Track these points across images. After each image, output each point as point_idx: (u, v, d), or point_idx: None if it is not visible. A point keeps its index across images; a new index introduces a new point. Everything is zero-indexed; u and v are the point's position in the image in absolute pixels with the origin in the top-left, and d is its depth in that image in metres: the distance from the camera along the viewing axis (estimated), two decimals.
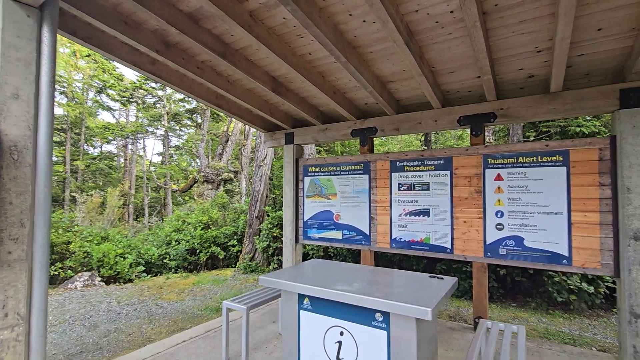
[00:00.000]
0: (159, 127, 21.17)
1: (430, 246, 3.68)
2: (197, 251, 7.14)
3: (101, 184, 20.94)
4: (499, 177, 3.31)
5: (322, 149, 9.16)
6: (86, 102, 20.27)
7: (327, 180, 4.57)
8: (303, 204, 4.82)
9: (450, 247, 3.56)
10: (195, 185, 15.47)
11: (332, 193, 4.51)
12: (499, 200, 3.30)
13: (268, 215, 6.94)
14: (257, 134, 7.43)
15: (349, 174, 4.36)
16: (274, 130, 5.19)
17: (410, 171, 3.85)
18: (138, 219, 23.39)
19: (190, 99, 18.10)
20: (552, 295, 4.38)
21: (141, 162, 25.60)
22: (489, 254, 3.34)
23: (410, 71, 3.21)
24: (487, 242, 3.35)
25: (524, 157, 3.19)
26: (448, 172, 3.60)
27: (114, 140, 26.52)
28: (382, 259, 5.93)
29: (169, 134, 25.23)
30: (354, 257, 6.25)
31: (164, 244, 7.54)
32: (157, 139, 29.36)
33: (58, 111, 20.08)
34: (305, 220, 4.79)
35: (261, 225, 6.88)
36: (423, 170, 3.77)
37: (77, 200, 10.10)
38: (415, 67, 2.83)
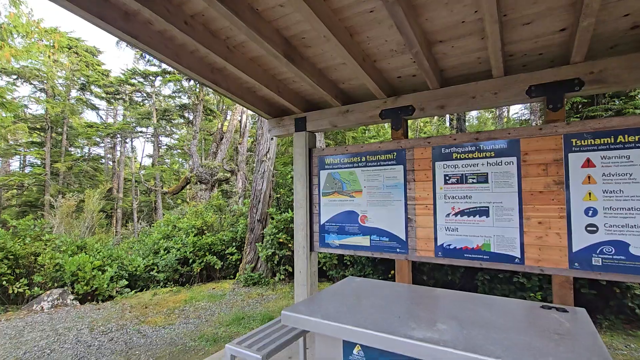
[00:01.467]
0: (148, 126, 20.22)
1: (491, 255, 2.93)
2: (190, 261, 6.34)
3: (88, 187, 20.01)
4: (588, 163, 2.57)
5: (330, 142, 8.42)
6: (68, 100, 19.31)
7: (349, 173, 3.81)
8: (319, 204, 4.05)
9: (519, 256, 2.81)
10: (188, 186, 14.66)
11: (356, 189, 3.75)
12: (589, 193, 2.56)
13: (272, 218, 6.16)
14: (257, 125, 6.67)
15: (377, 165, 3.60)
16: (282, 116, 4.42)
17: (460, 159, 3.10)
18: (127, 224, 22.46)
19: (180, 93, 17.28)
20: (630, 310, 3.65)
21: (130, 163, 24.71)
22: (576, 264, 2.59)
23: (470, 24, 2.47)
24: (574, 250, 2.60)
25: (626, 136, 2.46)
26: (514, 159, 2.86)
27: (102, 141, 25.63)
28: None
29: (160, 134, 24.37)
30: (374, 265, 5.50)
31: (151, 253, 6.73)
32: (147, 140, 28.50)
33: (37, 109, 19.12)
34: (322, 223, 4.02)
35: (264, 230, 6.09)
36: (478, 158, 3.02)
37: (53, 204, 9.24)
38: (490, 9, 2.08)
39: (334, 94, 3.69)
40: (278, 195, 6.50)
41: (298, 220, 4.18)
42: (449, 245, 3.15)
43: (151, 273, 6.37)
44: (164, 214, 15.83)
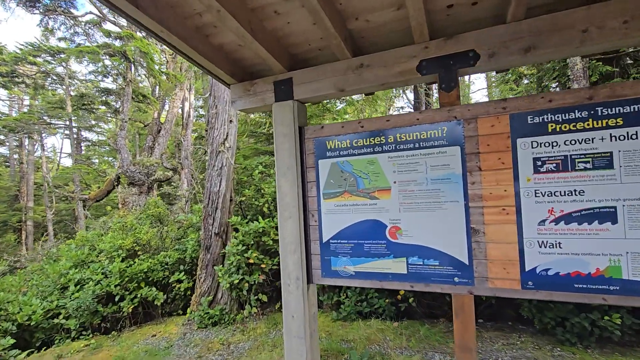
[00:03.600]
0: (62, 116, 16.65)
1: (624, 284, 1.89)
2: (117, 297, 4.58)
3: None
4: None
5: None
6: None
7: (367, 163, 2.55)
8: (319, 211, 2.73)
9: None
10: (117, 189, 12.19)
11: (381, 187, 2.50)
12: None
13: (236, 230, 4.67)
14: (209, 103, 5.04)
15: (415, 148, 2.39)
16: (253, 79, 2.99)
17: (561, 132, 2.01)
18: (43, 239, 18.72)
19: (101, 75, 14.38)
20: None
21: (42, 164, 20.69)
22: None
23: None
24: None
25: None
26: None
27: (7, 138, 21.07)
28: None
29: (79, 127, 20.75)
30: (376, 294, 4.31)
31: (55, 290, 4.80)
32: (65, 136, 24.21)
33: None
34: (325, 240, 2.71)
35: (226, 247, 4.58)
36: (594, 129, 1.94)
37: None
38: None
39: (342, 36, 2.37)
40: (243, 198, 4.99)
41: (287, 238, 2.80)
42: (547, 270, 2.05)
43: (56, 320, 4.49)
44: (87, 228, 13.10)
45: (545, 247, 2.06)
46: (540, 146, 2.07)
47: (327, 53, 2.77)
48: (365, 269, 2.58)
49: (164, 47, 15.70)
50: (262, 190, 4.91)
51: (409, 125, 2.43)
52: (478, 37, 2.20)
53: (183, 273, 4.90)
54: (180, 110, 15.98)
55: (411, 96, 17.00)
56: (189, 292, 4.92)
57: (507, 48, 2.13)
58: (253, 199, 4.89)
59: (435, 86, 14.90)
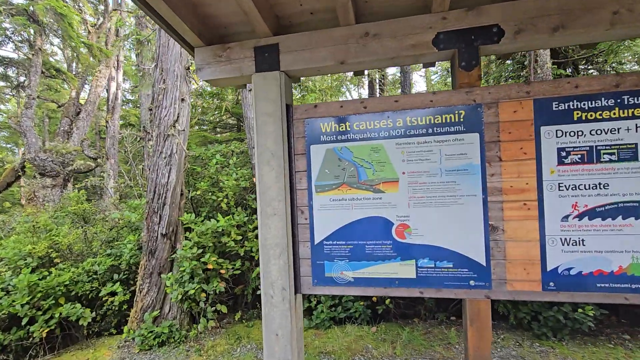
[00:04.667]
0: None
1: None
2: (24, 320, 3.59)
3: None
4: None
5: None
6: None
7: (370, 150, 2.21)
8: (310, 207, 2.32)
9: None
10: (21, 181, 10.10)
11: (387, 179, 2.18)
12: None
13: (189, 230, 3.99)
14: (154, 75, 4.14)
15: (428, 134, 2.12)
16: (227, 42, 2.44)
17: (587, 120, 1.90)
18: None
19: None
20: None
21: None
22: None
23: None
24: None
25: None
26: None
27: None
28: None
29: None
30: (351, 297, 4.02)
31: None
32: None
33: None
34: (317, 242, 2.31)
35: (175, 250, 3.88)
36: (619, 118, 1.87)
37: None
38: None
39: None
40: (196, 192, 4.28)
41: (269, 239, 2.33)
42: (569, 269, 1.93)
43: None
44: None
45: (568, 244, 1.94)
46: (565, 135, 1.94)
47: (320, 18, 2.36)
48: (366, 274, 2.24)
49: (86, 15, 13.47)
50: (219, 184, 4.27)
51: (421, 108, 2.15)
52: (504, 11, 1.99)
53: (118, 283, 4.03)
54: (105, 92, 13.92)
55: (355, 94, 17.13)
56: (125, 307, 4.07)
57: (534, 25, 1.96)
58: (210, 193, 4.22)
59: (390, 76, 15.19)
